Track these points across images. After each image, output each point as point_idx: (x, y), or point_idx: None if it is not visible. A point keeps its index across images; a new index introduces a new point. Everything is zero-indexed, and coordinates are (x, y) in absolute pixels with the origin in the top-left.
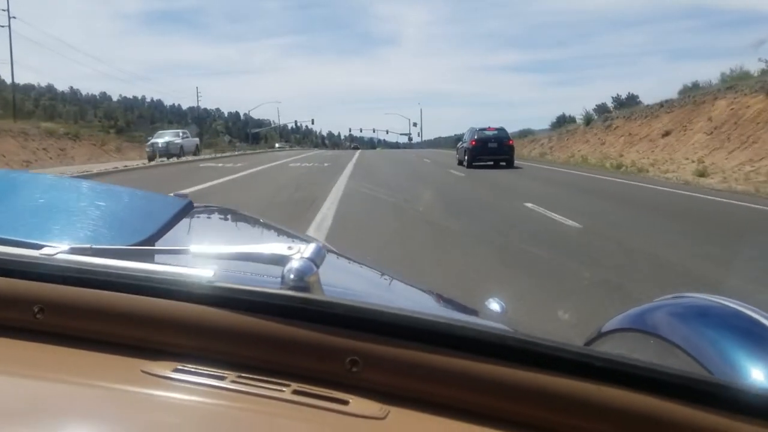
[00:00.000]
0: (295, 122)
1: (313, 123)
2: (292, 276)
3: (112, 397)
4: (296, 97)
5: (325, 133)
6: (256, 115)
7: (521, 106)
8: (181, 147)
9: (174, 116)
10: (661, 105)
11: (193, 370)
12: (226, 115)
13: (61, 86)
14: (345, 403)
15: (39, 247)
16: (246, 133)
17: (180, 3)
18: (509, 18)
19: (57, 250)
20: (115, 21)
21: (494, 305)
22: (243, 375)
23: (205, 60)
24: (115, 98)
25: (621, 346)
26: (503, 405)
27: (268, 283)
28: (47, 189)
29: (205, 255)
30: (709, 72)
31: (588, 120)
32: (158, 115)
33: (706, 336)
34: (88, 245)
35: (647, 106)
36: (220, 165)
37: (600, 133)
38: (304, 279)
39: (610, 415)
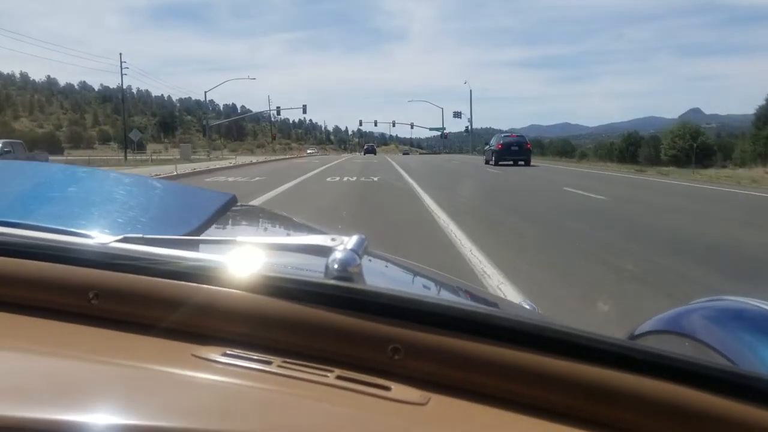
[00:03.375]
0: (313, 115)
1: (305, 112)
2: (336, 266)
3: (164, 380)
4: (301, 91)
5: (331, 128)
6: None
7: (527, 101)
8: None
9: (151, 107)
10: None
11: (241, 354)
12: (221, 108)
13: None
14: (387, 389)
15: (93, 236)
16: (235, 129)
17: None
18: (517, 14)
19: (111, 239)
20: (121, 16)
21: (525, 306)
22: (288, 360)
23: (211, 55)
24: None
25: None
26: (541, 394)
27: (311, 273)
28: (100, 183)
29: (252, 245)
30: None
31: None
32: (139, 106)
33: (743, 339)
34: (140, 235)
35: None
36: None
37: None
38: (347, 269)
39: (648, 407)
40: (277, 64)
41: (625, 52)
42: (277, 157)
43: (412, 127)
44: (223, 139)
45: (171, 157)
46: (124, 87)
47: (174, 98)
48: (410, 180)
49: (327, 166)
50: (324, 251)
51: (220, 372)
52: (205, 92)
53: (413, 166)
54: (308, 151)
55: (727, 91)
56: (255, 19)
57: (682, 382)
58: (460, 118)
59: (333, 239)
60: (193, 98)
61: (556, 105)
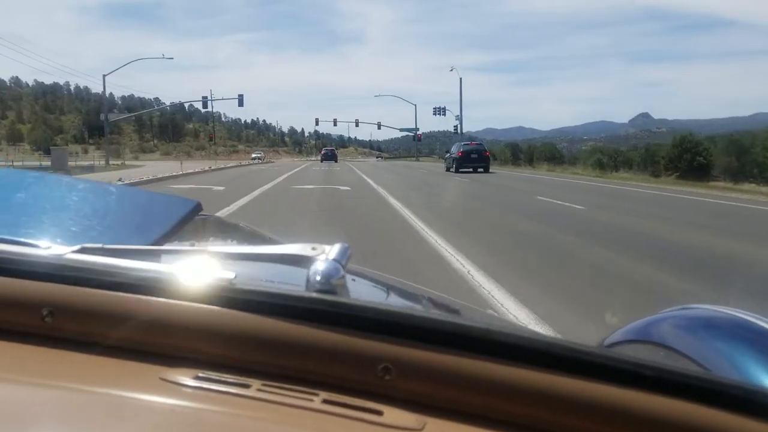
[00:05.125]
0: (269, 116)
1: (241, 104)
2: (318, 278)
3: (128, 406)
4: (258, 93)
5: (286, 129)
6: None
7: (483, 105)
8: None
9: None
10: None
11: (215, 377)
12: (168, 105)
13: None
14: (379, 413)
15: (46, 247)
16: (171, 128)
17: None
18: (473, 19)
19: (67, 249)
20: (75, 15)
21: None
22: (268, 383)
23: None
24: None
25: None
26: (548, 415)
27: (290, 286)
28: (52, 188)
29: (223, 255)
30: None
31: None
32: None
33: (714, 346)
34: (99, 245)
35: None
36: None
37: None
38: (330, 282)
39: (655, 425)
40: (233, 65)
41: (577, 58)
42: (198, 169)
43: (379, 128)
44: (157, 140)
45: (69, 163)
46: (62, 84)
47: (116, 96)
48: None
49: (253, 196)
50: (304, 261)
51: (192, 397)
52: (104, 76)
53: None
54: (253, 156)
55: (673, 97)
56: (209, 19)
57: (676, 395)
58: (444, 115)
59: (313, 248)
60: (136, 95)
61: (511, 109)
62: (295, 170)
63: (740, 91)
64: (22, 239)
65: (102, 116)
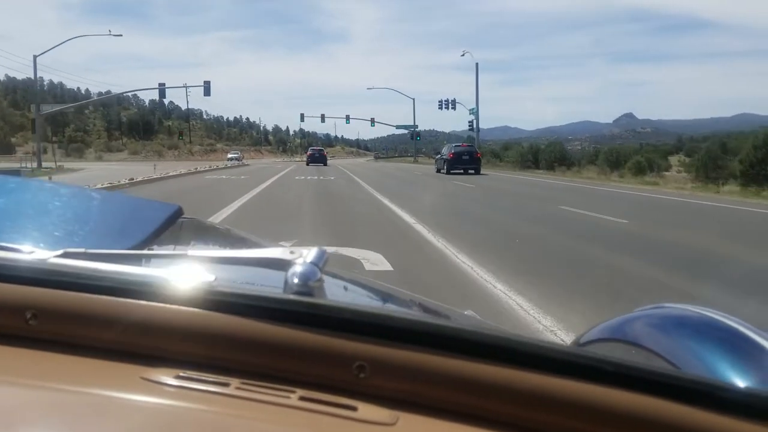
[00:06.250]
0: (252, 114)
1: (207, 93)
2: (296, 280)
3: (110, 405)
4: (242, 91)
5: (270, 128)
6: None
7: (467, 105)
8: None
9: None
10: None
11: (195, 377)
12: (146, 102)
13: None
14: (353, 409)
15: (29, 251)
16: (141, 124)
17: None
18: (458, 18)
19: (50, 253)
20: (55, 11)
21: (470, 312)
22: (247, 382)
23: (149, 53)
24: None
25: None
26: (513, 410)
27: (269, 288)
28: (34, 193)
29: (203, 259)
30: None
31: None
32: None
33: (686, 345)
34: (81, 249)
35: None
36: None
37: None
38: (308, 284)
39: (615, 419)
40: (218, 62)
41: (562, 58)
42: (141, 177)
43: (372, 124)
44: (126, 137)
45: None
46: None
47: (93, 91)
48: None
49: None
50: (282, 265)
51: (173, 395)
52: (35, 56)
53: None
54: (229, 156)
55: (657, 97)
56: (193, 16)
57: (651, 393)
58: (454, 108)
59: (291, 252)
60: (113, 92)
61: (497, 109)
62: (271, 180)
63: (723, 92)
64: (5, 244)
65: (33, 108)
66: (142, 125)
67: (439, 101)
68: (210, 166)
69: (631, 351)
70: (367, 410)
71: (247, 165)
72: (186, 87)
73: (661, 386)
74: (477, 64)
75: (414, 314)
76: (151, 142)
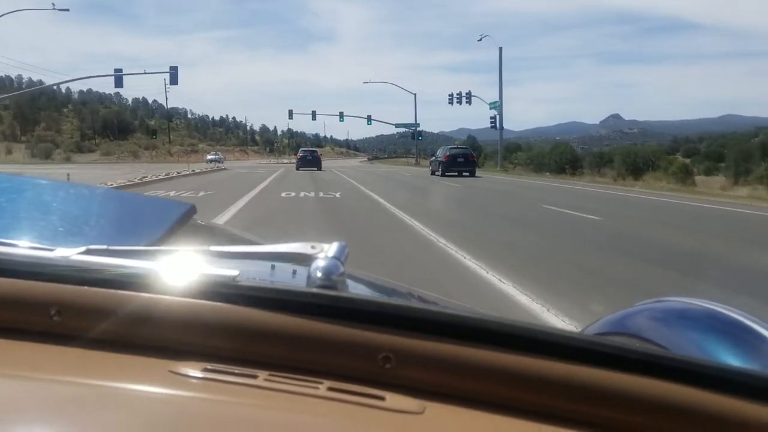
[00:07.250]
0: (239, 114)
1: (175, 82)
2: (319, 274)
3: (139, 399)
4: (229, 91)
5: (257, 127)
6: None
7: (456, 104)
8: None
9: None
10: None
11: (223, 369)
12: (129, 101)
13: None
14: (381, 398)
15: (51, 249)
16: (116, 123)
17: None
18: (446, 19)
19: (72, 251)
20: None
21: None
22: (274, 373)
23: (136, 52)
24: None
25: None
26: (539, 398)
27: (292, 282)
28: (52, 194)
29: (225, 254)
30: None
31: None
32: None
33: (689, 337)
34: (103, 246)
35: None
36: None
37: None
38: (331, 278)
39: (641, 406)
40: (205, 62)
41: (549, 58)
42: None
43: (369, 122)
44: (99, 137)
45: None
46: (13, 77)
47: (74, 90)
48: None
49: None
50: (304, 259)
51: (202, 388)
52: None
53: None
54: (209, 158)
55: (643, 98)
56: (181, 16)
57: (678, 381)
58: (469, 102)
59: (313, 247)
60: (94, 90)
61: (484, 109)
62: (242, 202)
63: (708, 93)
64: (28, 243)
65: None
66: (118, 123)
67: (450, 95)
68: (168, 174)
69: (635, 343)
70: (394, 400)
71: (225, 169)
72: (146, 73)
73: (683, 373)
74: (501, 48)
75: (438, 306)
76: (127, 142)
